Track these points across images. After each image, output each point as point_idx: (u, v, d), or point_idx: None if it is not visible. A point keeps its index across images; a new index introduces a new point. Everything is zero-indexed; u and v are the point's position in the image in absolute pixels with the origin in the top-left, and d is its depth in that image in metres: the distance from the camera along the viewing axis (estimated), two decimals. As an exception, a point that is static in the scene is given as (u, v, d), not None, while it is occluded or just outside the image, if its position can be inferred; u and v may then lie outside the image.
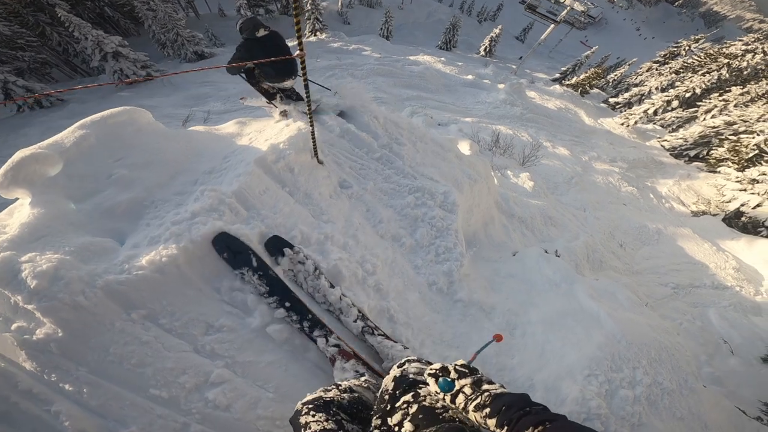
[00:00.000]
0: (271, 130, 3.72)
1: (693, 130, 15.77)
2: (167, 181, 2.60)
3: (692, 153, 15.68)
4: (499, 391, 1.10)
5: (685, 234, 9.19)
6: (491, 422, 0.99)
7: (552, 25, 22.35)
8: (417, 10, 36.68)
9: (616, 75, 26.66)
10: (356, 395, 1.52)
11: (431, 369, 1.30)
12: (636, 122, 18.18)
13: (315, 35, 21.50)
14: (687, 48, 24.91)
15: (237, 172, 2.71)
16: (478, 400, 1.08)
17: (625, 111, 20.10)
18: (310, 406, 1.39)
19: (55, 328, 1.78)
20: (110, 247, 2.11)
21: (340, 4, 32.11)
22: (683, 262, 8.05)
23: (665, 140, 16.88)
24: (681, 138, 16.16)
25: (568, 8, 22.27)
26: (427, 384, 1.30)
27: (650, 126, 19.29)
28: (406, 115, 10.66)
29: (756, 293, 7.41)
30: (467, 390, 1.16)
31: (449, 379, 1.22)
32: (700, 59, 21.19)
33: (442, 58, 18.73)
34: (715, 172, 13.64)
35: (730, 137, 13.95)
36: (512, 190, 7.17)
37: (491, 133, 10.63)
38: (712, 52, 20.90)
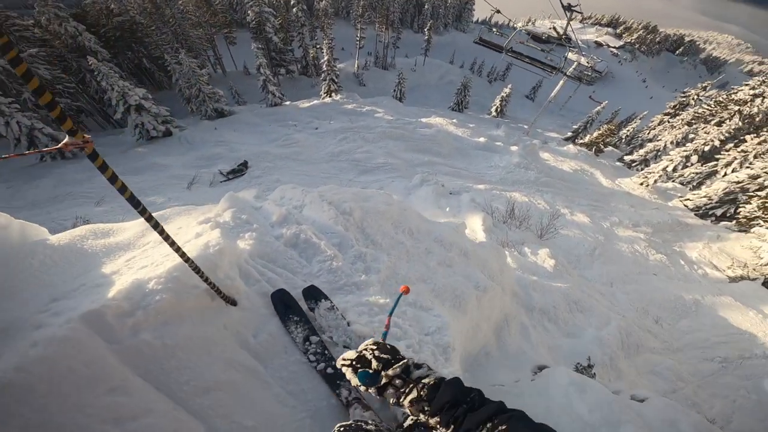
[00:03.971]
0: (181, 240, 2.37)
1: (716, 187, 15.05)
2: None
3: (719, 212, 14.87)
4: (432, 380, 1.01)
5: (727, 302, 8.63)
6: (434, 420, 0.94)
7: (561, 82, 22.68)
8: (429, 72, 38.39)
9: (628, 130, 26.41)
10: (382, 430, 1.42)
11: (344, 359, 1.19)
12: (655, 181, 17.61)
13: (330, 96, 22.38)
14: (695, 97, 24.99)
15: (31, 341, 1.41)
16: (414, 393, 1.01)
17: (642, 169, 19.70)
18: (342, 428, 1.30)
19: None
20: None
21: (356, 66, 33.91)
22: (729, 333, 7.54)
23: (688, 199, 16.12)
24: (704, 196, 15.39)
25: (576, 63, 22.65)
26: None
27: (670, 184, 18.68)
28: (416, 183, 10.45)
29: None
30: (397, 382, 1.06)
31: (371, 371, 1.10)
32: (710, 108, 21.03)
33: (454, 120, 19.01)
34: (746, 231, 13.00)
35: (758, 193, 13.27)
36: (531, 273, 6.61)
37: (506, 201, 10.25)
38: (721, 99, 20.77)
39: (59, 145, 0.91)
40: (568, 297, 6.20)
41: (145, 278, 1.87)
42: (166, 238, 1.43)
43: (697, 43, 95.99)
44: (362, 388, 1.13)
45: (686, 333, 7.52)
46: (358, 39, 32.58)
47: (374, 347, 1.16)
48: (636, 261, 10.20)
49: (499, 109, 27.37)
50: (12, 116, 13.06)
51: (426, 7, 54.26)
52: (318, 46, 31.19)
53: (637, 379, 5.71)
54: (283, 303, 2.35)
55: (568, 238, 9.87)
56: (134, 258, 2.24)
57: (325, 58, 22.49)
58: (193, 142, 15.31)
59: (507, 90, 26.90)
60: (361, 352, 1.18)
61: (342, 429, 1.29)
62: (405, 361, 1.10)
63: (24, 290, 1.89)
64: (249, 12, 26.35)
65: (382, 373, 1.08)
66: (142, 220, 2.73)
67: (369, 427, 1.35)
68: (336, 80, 22.92)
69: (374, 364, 1.11)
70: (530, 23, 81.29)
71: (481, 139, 16.55)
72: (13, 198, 10.34)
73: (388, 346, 1.16)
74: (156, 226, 1.33)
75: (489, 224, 8.13)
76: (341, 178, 11.69)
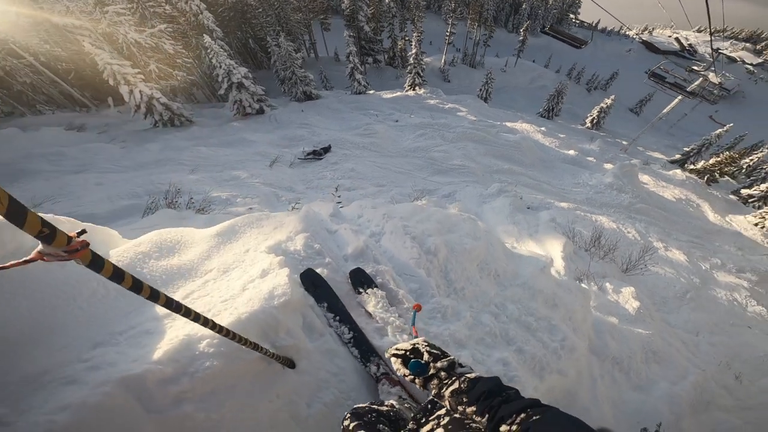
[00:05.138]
0: (245, 274, 2.19)
1: None
2: None
3: None
4: (473, 375, 1.08)
5: None
6: (470, 409, 0.98)
7: (678, 98, 20.04)
8: (520, 74, 36.34)
9: (751, 160, 22.50)
10: (397, 410, 1.57)
11: (397, 349, 1.27)
12: (776, 224, 14.79)
13: (414, 90, 22.21)
14: None
15: (60, 402, 1.29)
16: (455, 385, 1.07)
17: (761, 206, 16.81)
18: (353, 413, 1.39)
19: None
20: None
21: (443, 61, 33.25)
22: None
23: None
24: None
25: (701, 79, 19.83)
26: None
27: (792, 228, 15.57)
28: (492, 192, 9.88)
29: None
30: (442, 374, 1.13)
31: (422, 362, 1.18)
32: None
33: (543, 128, 17.72)
34: None
35: None
36: (610, 313, 5.99)
37: (591, 226, 9.29)
38: None
39: (31, 256, 0.67)
40: (647, 346, 5.57)
41: (197, 335, 1.63)
42: (214, 327, 1.25)
43: None
44: (409, 378, 1.18)
45: (764, 392, 6.61)
46: (447, 34, 31.80)
47: (425, 343, 1.24)
48: (731, 311, 8.92)
49: (595, 121, 24.95)
50: (136, 85, 14.91)
51: (524, 6, 51.24)
52: (407, 38, 31.11)
53: (696, 440, 4.99)
54: (312, 283, 2.38)
55: (658, 276, 8.79)
56: (192, 294, 2.02)
57: (413, 50, 22.33)
58: (280, 122, 16.24)
59: (609, 101, 24.35)
60: (414, 344, 1.26)
61: (354, 411, 1.33)
62: (452, 357, 1.18)
63: (69, 327, 1.67)
64: (344, -1, 27.03)
65: (431, 364, 1.16)
66: (211, 232, 2.59)
67: (382, 408, 1.40)
68: (421, 74, 22.67)
69: (425, 356, 1.19)
70: (646, 32, 72.80)
71: (571, 152, 15.18)
72: (124, 158, 11.63)
73: (440, 348, 1.23)
74: (195, 318, 1.15)
75: (569, 251, 7.40)
76: (415, 176, 11.52)
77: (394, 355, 1.26)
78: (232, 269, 2.29)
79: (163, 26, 17.89)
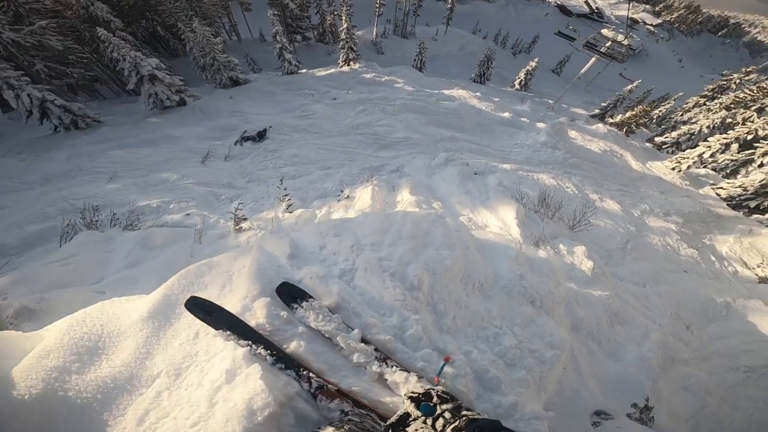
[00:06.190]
0: (204, 376, 1.80)
1: (754, 178, 14.06)
2: None
3: (752, 204, 13.93)
4: (474, 416, 1.22)
5: (756, 307, 8.02)
6: None
7: (593, 58, 21.52)
8: (450, 42, 36.73)
9: (660, 111, 25.05)
10: None
11: (412, 392, 1.44)
12: (689, 167, 16.59)
13: (348, 65, 21.45)
14: (738, 81, 23.48)
15: None
16: (456, 423, 1.20)
17: (672, 152, 18.70)
18: None
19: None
20: None
21: (374, 33, 32.50)
22: (755, 341, 7.00)
23: (721, 188, 15.15)
24: (739, 186, 14.37)
25: (610, 41, 21.39)
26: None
27: (702, 170, 17.65)
28: (440, 162, 9.84)
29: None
30: (447, 414, 1.27)
31: (431, 404, 1.33)
32: (752, 93, 19.65)
33: (477, 93, 18.01)
34: (780, 226, 12.12)
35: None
36: (571, 279, 5.99)
37: (534, 185, 9.58)
38: (765, 85, 19.36)
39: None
40: (609, 308, 5.61)
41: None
42: None
43: (742, 26, 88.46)
44: (420, 418, 1.31)
45: (715, 339, 7.08)
46: (377, 6, 30.97)
47: (440, 390, 1.39)
48: (667, 256, 9.43)
49: (523, 83, 26.06)
50: (22, 89, 12.76)
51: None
52: (336, 13, 29.81)
53: (672, 398, 5.27)
54: (202, 310, 2.17)
55: (599, 228, 9.03)
56: (149, 417, 1.53)
57: (344, 25, 21.45)
58: (207, 112, 14.84)
59: (533, 63, 25.42)
60: (428, 389, 1.39)
61: None
62: (459, 402, 1.33)
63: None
64: (264, -25, 25.08)
65: (438, 406, 1.30)
66: (142, 314, 1.93)
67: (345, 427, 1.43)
68: (354, 48, 21.92)
69: (435, 398, 1.34)
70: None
71: (506, 114, 15.63)
72: (26, 173, 9.97)
73: (450, 394, 1.38)
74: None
75: (522, 216, 7.40)
76: (360, 153, 11.15)
77: (409, 397, 1.40)
78: (185, 369, 1.83)
79: (45, 22, 15.50)
